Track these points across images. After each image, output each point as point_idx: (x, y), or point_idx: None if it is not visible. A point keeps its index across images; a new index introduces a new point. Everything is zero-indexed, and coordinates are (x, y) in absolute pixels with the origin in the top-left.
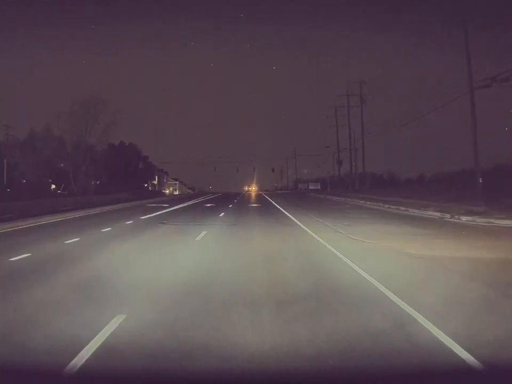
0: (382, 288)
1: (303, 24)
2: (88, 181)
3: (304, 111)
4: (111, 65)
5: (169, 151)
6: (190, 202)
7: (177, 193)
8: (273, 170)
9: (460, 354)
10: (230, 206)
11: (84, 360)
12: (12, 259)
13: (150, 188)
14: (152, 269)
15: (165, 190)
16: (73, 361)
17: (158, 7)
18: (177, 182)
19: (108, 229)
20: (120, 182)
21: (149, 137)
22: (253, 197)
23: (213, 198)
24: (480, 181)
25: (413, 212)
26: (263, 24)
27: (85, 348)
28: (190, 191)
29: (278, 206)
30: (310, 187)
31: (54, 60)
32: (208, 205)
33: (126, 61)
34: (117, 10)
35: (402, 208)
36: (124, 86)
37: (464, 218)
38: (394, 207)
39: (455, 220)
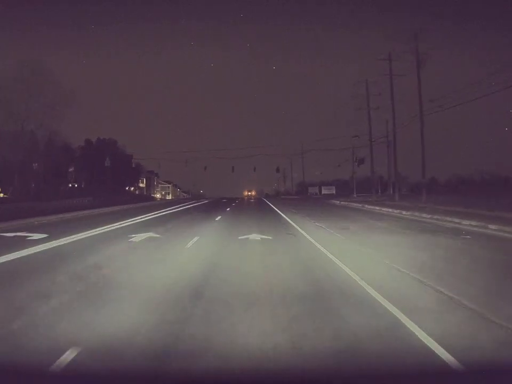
0: None
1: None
2: (30, 182)
3: (308, 107)
4: (110, 65)
5: (166, 153)
6: (119, 224)
7: (169, 197)
8: (277, 170)
9: None
10: (191, 242)
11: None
12: None
13: (137, 192)
14: None
15: (155, 194)
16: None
17: (157, 7)
18: (169, 185)
19: None
20: (96, 183)
21: (144, 139)
22: (254, 209)
23: (188, 208)
24: None
25: None
26: (262, 24)
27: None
28: (184, 194)
29: (327, 254)
30: (323, 191)
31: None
32: (141, 237)
33: (125, 62)
34: (114, 10)
35: None
36: (121, 86)
37: None
38: None
39: None
